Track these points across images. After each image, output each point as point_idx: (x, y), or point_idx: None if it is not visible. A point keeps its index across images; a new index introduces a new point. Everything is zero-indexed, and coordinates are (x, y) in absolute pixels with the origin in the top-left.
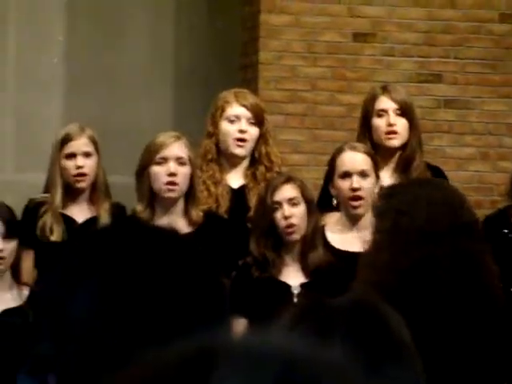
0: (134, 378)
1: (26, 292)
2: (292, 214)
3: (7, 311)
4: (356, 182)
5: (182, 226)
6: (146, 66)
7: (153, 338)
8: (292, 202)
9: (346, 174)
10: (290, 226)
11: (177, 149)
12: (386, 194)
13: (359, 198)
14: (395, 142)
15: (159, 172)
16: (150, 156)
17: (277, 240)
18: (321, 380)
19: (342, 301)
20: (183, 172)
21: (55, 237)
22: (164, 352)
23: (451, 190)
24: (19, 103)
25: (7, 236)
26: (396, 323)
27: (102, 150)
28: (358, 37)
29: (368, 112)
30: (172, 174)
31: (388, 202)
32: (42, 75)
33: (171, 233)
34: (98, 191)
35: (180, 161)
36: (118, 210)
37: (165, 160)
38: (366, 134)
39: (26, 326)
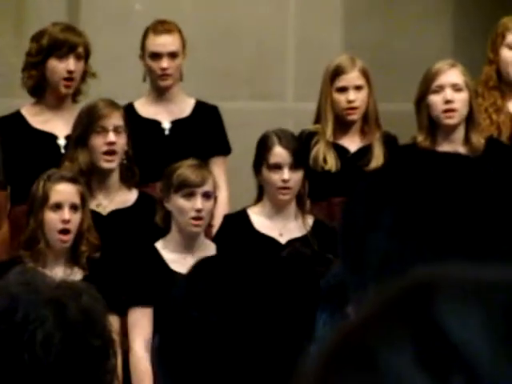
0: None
1: (310, 221)
2: None
3: (292, 241)
4: None
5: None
6: None
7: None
8: None
9: None
10: None
11: (452, 76)
12: None
13: None
14: None
15: (436, 101)
16: (427, 85)
17: None
18: None
19: None
20: (460, 98)
21: (329, 166)
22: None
23: None
24: (299, 30)
25: (294, 166)
26: None
27: (379, 76)
28: None
29: None
30: (448, 101)
31: None
32: (322, 1)
33: (463, 158)
34: (369, 122)
35: (456, 87)
36: (388, 139)
37: (441, 88)
38: None
39: (314, 256)
